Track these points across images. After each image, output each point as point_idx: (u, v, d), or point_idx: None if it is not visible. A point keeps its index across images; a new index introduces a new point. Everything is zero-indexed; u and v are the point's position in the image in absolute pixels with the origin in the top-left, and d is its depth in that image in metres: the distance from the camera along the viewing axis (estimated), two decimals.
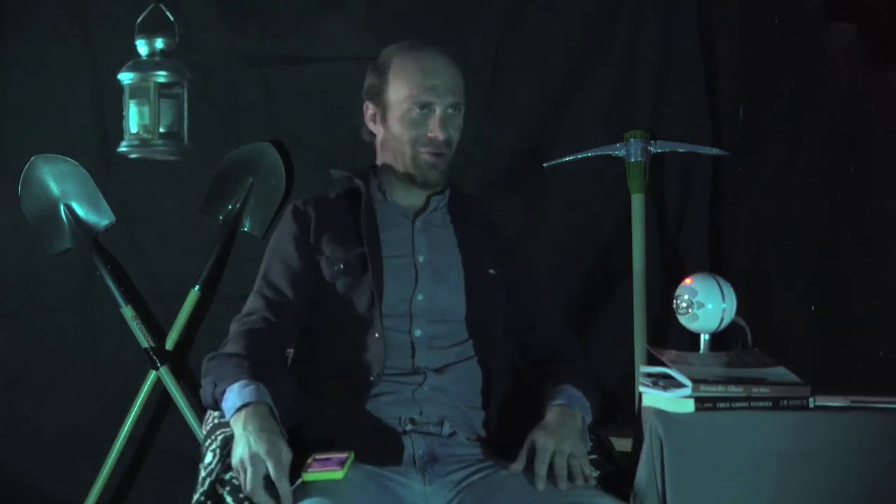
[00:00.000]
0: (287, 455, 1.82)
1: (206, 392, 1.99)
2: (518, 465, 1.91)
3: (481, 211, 2.26)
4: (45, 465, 3.23)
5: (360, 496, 1.83)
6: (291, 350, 2.22)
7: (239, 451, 1.83)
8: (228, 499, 1.89)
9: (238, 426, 1.86)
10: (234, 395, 1.91)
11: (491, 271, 2.14)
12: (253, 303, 2.13)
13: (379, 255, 2.10)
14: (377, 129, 2.19)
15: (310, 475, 1.82)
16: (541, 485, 1.86)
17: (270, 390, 1.94)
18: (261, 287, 2.15)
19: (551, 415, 1.98)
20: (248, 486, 1.79)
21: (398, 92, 2.13)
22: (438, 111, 2.11)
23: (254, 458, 1.80)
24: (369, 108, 2.20)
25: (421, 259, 2.12)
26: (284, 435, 1.86)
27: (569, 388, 2.03)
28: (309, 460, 1.87)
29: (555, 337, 2.19)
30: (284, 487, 1.78)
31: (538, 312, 2.20)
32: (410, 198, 2.19)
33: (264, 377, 1.96)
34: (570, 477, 1.87)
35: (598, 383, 2.12)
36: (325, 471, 1.82)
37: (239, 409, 1.88)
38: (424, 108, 2.11)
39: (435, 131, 2.10)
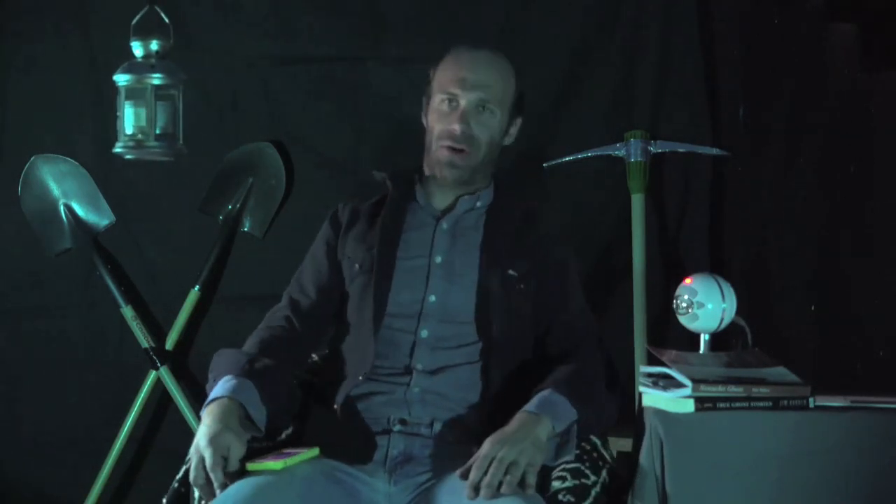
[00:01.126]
0: (237, 448, 1.86)
1: (208, 387, 2.02)
2: (460, 471, 1.88)
3: (522, 211, 2.23)
4: (45, 465, 3.23)
5: (298, 489, 1.86)
6: (325, 351, 2.24)
7: (193, 444, 1.88)
8: (194, 486, 1.93)
9: (202, 418, 1.91)
10: (215, 390, 1.95)
11: (511, 272, 2.11)
12: (282, 300, 2.19)
13: (391, 256, 2.10)
14: (426, 123, 2.21)
15: (252, 465, 1.87)
16: (468, 492, 1.83)
17: (265, 387, 1.96)
18: (291, 287, 2.20)
19: (513, 421, 1.93)
20: (191, 476, 1.85)
21: (436, 84, 2.17)
22: (462, 104, 2.12)
23: (197, 449, 1.85)
24: (424, 105, 2.22)
25: (438, 260, 2.12)
26: (240, 430, 1.88)
27: (548, 394, 1.97)
28: (270, 454, 1.93)
29: (568, 340, 2.14)
30: (216, 477, 1.83)
31: (557, 316, 2.15)
32: (442, 198, 2.19)
33: (261, 374, 1.97)
34: (502, 485, 1.82)
35: (600, 389, 2.07)
36: (267, 462, 1.87)
37: (209, 403, 1.92)
38: (453, 101, 2.12)
39: (452, 123, 2.11)
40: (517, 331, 2.12)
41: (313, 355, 2.25)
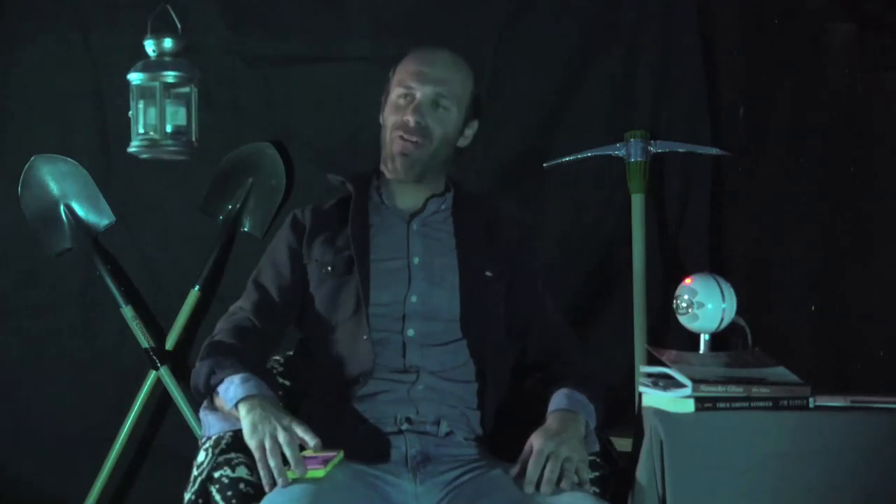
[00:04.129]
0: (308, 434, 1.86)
1: (199, 375, 2.00)
2: (515, 469, 1.90)
3: (487, 212, 2.25)
4: (45, 465, 3.23)
5: (344, 495, 1.83)
6: (277, 357, 2.25)
7: (257, 435, 1.83)
8: (217, 497, 1.90)
9: (247, 413, 1.87)
10: (237, 387, 1.92)
11: (488, 273, 2.13)
12: (240, 303, 2.17)
13: (366, 258, 2.11)
14: (382, 122, 2.21)
15: (292, 472, 1.82)
16: (529, 488, 1.85)
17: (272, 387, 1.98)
18: (249, 290, 2.19)
19: (553, 419, 1.96)
20: (273, 464, 1.80)
21: (394, 81, 2.18)
22: (418, 96, 2.13)
23: (273, 434, 1.82)
24: (382, 104, 2.22)
25: (416, 261, 2.12)
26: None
27: (572, 392, 2.00)
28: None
29: (552, 338, 2.17)
30: (295, 456, 1.81)
31: (536, 314, 2.18)
32: (408, 200, 2.19)
33: (266, 374, 1.99)
34: (559, 481, 1.84)
35: (602, 386, 2.09)
36: (308, 469, 1.82)
37: (246, 399, 1.90)
38: (408, 95, 2.14)
39: (406, 115, 2.12)
40: (499, 330, 2.14)
41: (276, 357, 2.25)
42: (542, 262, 2.29)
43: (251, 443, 1.84)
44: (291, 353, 2.24)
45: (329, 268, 2.13)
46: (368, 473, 1.94)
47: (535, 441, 1.90)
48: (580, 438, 1.93)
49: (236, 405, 1.91)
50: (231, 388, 1.93)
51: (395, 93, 2.16)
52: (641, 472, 1.98)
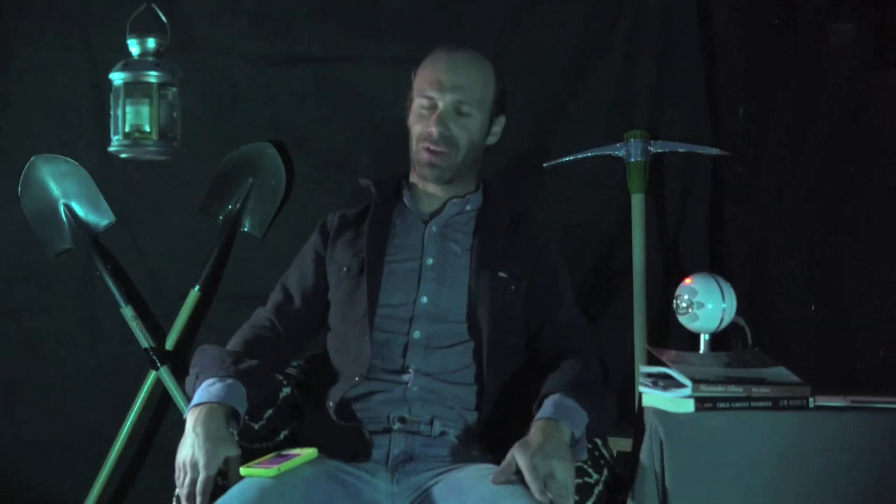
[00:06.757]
0: (234, 458, 1.86)
1: (189, 382, 2.01)
2: (500, 478, 1.85)
3: (514, 210, 2.25)
4: (45, 465, 3.23)
5: (300, 489, 1.84)
6: (299, 360, 2.26)
7: (182, 452, 1.86)
8: None
9: (189, 424, 1.89)
10: (200, 392, 1.93)
11: (501, 274, 2.13)
12: (267, 304, 2.21)
13: (379, 259, 2.12)
14: (409, 126, 2.22)
15: (246, 470, 1.85)
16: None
17: (251, 387, 1.96)
18: (275, 291, 2.23)
19: (535, 430, 1.89)
20: (183, 492, 1.83)
21: (416, 88, 2.20)
22: (440, 106, 2.14)
23: (193, 464, 1.83)
24: (407, 107, 2.24)
25: (429, 262, 2.13)
26: (232, 437, 1.88)
27: (562, 399, 1.94)
28: (269, 455, 1.92)
29: (564, 339, 2.14)
30: (205, 495, 1.81)
31: (551, 315, 2.16)
32: (431, 202, 2.22)
33: (248, 374, 1.97)
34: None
35: (603, 391, 2.05)
36: (261, 468, 1.85)
37: (195, 406, 1.90)
38: (431, 104, 2.15)
39: (430, 126, 2.13)
40: (509, 332, 2.13)
41: (299, 358, 2.25)
42: (567, 265, 2.28)
43: (177, 457, 1.86)
44: (319, 353, 2.25)
45: (345, 269, 2.16)
46: (343, 470, 1.96)
47: (517, 456, 1.84)
48: (565, 451, 1.85)
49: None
50: (196, 394, 1.94)
51: (417, 102, 2.17)
52: (641, 473, 1.98)
